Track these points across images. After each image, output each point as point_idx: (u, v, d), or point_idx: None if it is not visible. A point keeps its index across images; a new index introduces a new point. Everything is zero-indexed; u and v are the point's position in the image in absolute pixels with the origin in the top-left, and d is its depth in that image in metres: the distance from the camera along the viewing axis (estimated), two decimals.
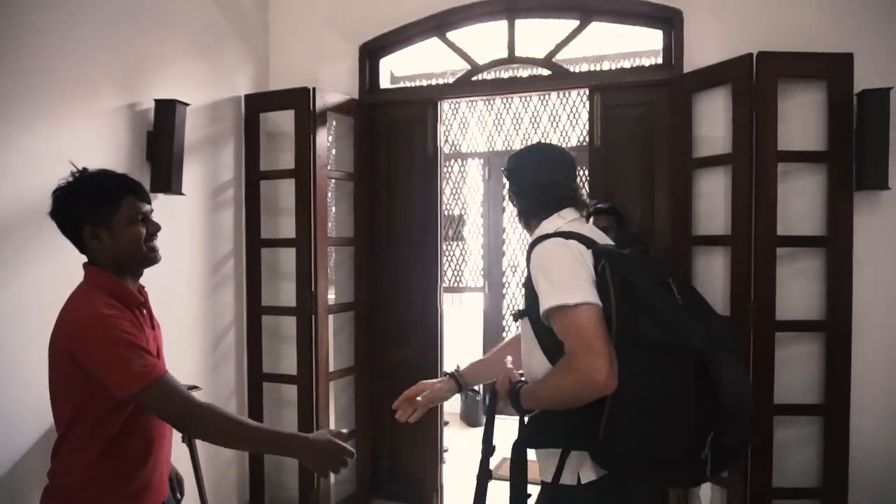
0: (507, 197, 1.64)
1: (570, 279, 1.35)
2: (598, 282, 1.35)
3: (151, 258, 1.71)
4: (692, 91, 2.95)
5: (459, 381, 1.87)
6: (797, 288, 2.73)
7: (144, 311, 1.72)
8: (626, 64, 4.73)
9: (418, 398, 1.85)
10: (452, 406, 5.25)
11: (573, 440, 1.39)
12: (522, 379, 1.54)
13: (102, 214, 1.62)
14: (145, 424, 1.58)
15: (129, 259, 1.67)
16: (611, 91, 3.18)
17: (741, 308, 2.69)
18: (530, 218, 1.60)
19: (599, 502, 1.43)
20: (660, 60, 3.16)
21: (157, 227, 1.72)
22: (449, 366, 3.87)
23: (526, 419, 1.54)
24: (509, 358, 1.64)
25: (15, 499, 2.17)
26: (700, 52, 2.94)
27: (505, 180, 1.69)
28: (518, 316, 1.51)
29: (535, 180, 1.57)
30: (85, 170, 1.69)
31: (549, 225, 1.53)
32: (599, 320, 1.31)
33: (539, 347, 1.47)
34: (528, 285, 1.46)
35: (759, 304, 2.65)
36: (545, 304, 1.36)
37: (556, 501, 1.48)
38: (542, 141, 5.53)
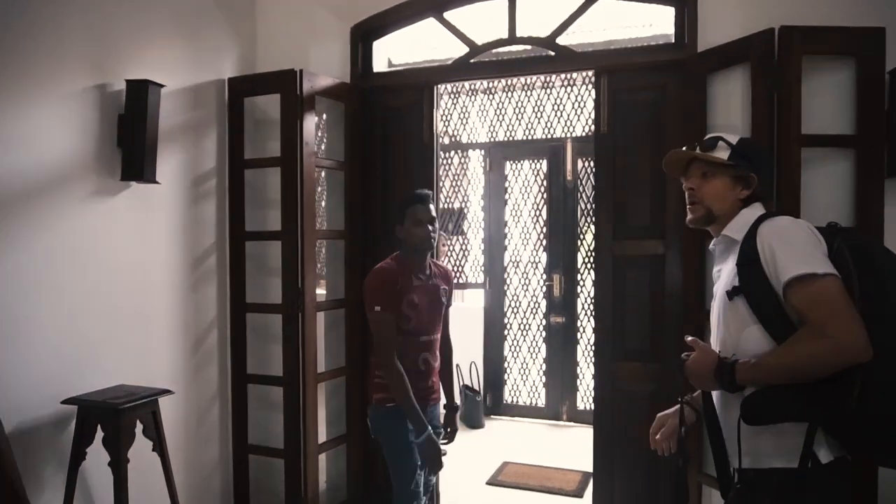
0: (732, 163, 1.58)
1: (812, 252, 1.35)
2: (835, 260, 1.35)
3: None
4: (707, 72, 2.73)
5: (696, 408, 1.71)
6: None
7: None
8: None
9: (657, 437, 1.75)
10: None
11: (817, 413, 1.32)
12: (736, 358, 1.41)
13: None
14: None
15: None
16: (619, 73, 2.97)
17: None
18: (742, 204, 1.58)
19: (846, 487, 1.42)
20: (671, 41, 2.94)
21: None
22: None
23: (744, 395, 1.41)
24: (689, 338, 1.53)
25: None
26: (715, 31, 2.73)
27: (733, 153, 1.59)
28: (734, 294, 1.45)
29: (768, 171, 1.70)
30: None
31: (754, 212, 1.55)
32: (846, 292, 1.31)
33: (758, 325, 1.42)
34: (748, 262, 1.43)
35: None
36: (790, 272, 1.33)
37: (805, 487, 1.36)
38: (543, 132, 5.34)
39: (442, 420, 2.63)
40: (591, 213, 5.12)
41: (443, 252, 5.29)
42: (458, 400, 2.68)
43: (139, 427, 2.38)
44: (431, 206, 2.40)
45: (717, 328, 1.57)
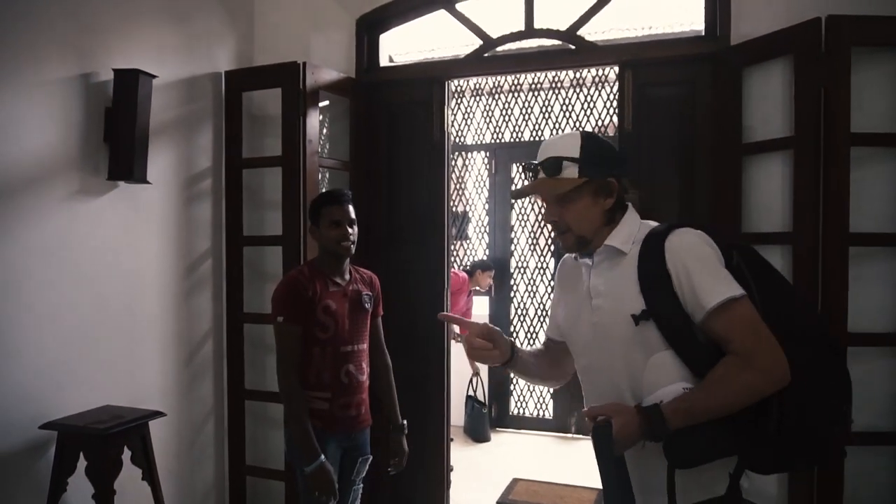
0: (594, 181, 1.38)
1: (724, 271, 1.27)
2: (735, 275, 1.28)
3: None
4: (743, 65, 2.54)
5: (514, 355, 1.54)
6: (873, 295, 2.33)
7: None
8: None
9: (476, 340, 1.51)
10: (456, 419, 4.83)
11: (744, 444, 1.25)
12: (653, 400, 1.24)
13: None
14: None
15: None
16: (644, 67, 2.77)
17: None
18: (611, 214, 1.40)
19: None
20: (702, 33, 2.75)
21: None
22: (459, 378, 3.52)
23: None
24: (587, 409, 1.30)
25: None
26: (750, 22, 2.55)
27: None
28: (641, 318, 1.28)
29: (622, 163, 1.45)
30: None
31: (634, 219, 1.40)
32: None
33: (668, 350, 1.29)
34: (655, 283, 1.29)
35: (829, 314, 2.25)
36: (714, 298, 1.23)
37: None
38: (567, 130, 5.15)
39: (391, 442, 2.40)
40: None
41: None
42: (402, 420, 2.41)
43: (127, 453, 2.14)
44: (350, 207, 2.21)
45: (602, 355, 1.37)
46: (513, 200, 5.29)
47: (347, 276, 2.25)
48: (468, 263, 5.14)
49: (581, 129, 5.08)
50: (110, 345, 2.39)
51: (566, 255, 1.55)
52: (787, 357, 1.21)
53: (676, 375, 1.27)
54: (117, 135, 2.32)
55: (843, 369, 1.30)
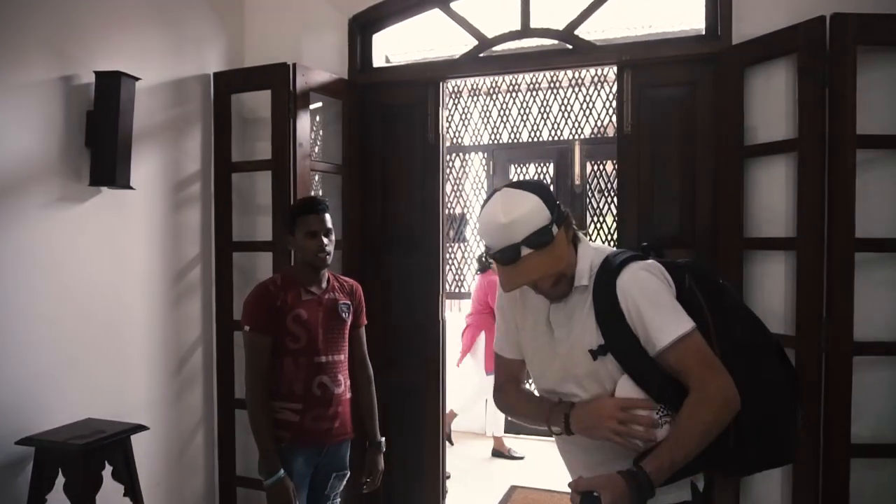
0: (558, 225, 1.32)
1: (675, 307, 1.30)
2: (686, 298, 1.32)
3: None
4: (745, 65, 2.47)
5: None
6: (881, 302, 2.25)
7: None
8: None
9: None
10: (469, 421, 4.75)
11: (703, 463, 1.30)
12: (641, 466, 1.23)
13: None
14: None
15: None
16: (644, 67, 2.71)
17: (811, 326, 2.22)
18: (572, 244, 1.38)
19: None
20: (702, 32, 2.68)
21: None
22: (452, 385, 3.44)
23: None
24: (574, 483, 1.27)
25: None
26: (751, 21, 2.48)
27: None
28: (599, 352, 1.31)
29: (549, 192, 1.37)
30: None
31: (587, 249, 1.38)
32: (705, 341, 1.30)
33: (626, 376, 1.31)
34: (610, 318, 1.31)
35: (834, 322, 2.18)
36: (666, 338, 1.26)
37: None
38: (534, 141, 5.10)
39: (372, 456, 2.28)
40: (601, 217, 4.87)
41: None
42: (380, 437, 2.29)
43: (108, 469, 2.07)
44: (327, 216, 2.13)
45: (566, 384, 1.37)
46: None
47: (325, 285, 2.17)
48: (483, 257, 4.65)
49: (580, 126, 5.00)
50: (93, 356, 2.32)
51: None
52: (741, 372, 1.26)
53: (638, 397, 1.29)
54: (99, 139, 2.25)
55: (792, 374, 1.37)
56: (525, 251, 1.26)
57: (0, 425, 1.99)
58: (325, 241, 2.09)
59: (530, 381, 1.55)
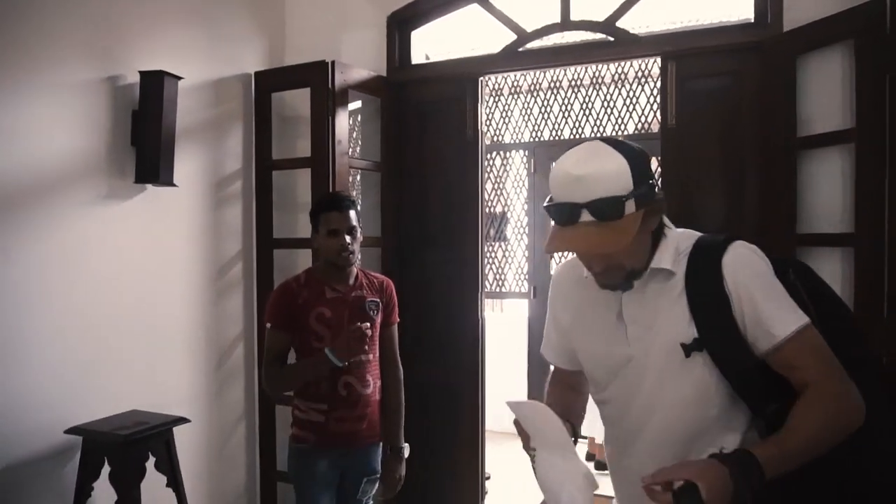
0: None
1: (787, 295, 1.10)
2: (791, 294, 1.11)
3: None
4: (796, 53, 2.36)
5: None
6: None
7: None
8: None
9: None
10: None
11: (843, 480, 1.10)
12: (748, 450, 1.01)
13: None
14: None
15: None
16: (688, 59, 2.61)
17: (869, 327, 2.09)
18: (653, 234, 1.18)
19: None
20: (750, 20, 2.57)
21: None
22: (491, 385, 3.39)
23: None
24: (648, 478, 1.01)
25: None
26: (802, 6, 2.36)
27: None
28: (693, 348, 1.10)
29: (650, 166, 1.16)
30: None
31: (672, 231, 1.19)
32: None
33: (724, 385, 1.11)
34: (710, 307, 1.10)
35: None
36: (788, 327, 1.07)
37: None
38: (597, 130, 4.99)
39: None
40: None
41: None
42: (402, 443, 2.18)
43: (151, 460, 2.11)
44: (351, 213, 2.05)
45: (637, 390, 1.16)
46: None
47: (351, 282, 2.11)
48: None
49: (623, 123, 4.89)
50: (138, 349, 2.38)
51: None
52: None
53: (735, 417, 1.12)
54: (144, 137, 2.30)
55: (889, 401, 1.15)
56: (584, 217, 1.05)
57: (50, 415, 2.06)
58: (348, 239, 2.02)
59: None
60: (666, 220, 1.19)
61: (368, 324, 1.96)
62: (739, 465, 0.97)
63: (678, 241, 1.17)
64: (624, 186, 1.05)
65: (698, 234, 1.19)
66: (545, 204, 1.12)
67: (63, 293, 2.12)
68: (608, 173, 1.04)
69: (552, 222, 1.12)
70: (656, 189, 1.11)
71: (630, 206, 1.05)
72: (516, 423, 1.23)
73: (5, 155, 1.95)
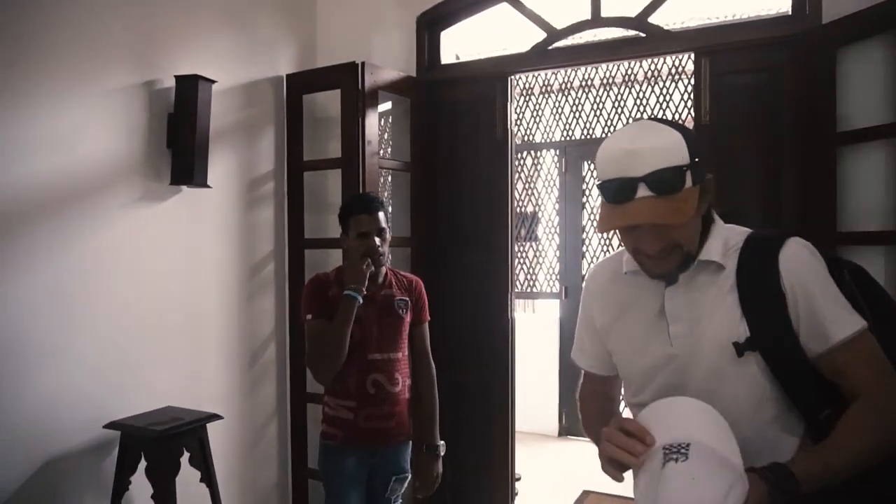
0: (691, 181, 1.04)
1: (843, 296, 1.05)
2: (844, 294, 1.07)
3: None
4: (836, 46, 2.29)
5: None
6: None
7: None
8: None
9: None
10: (531, 423, 4.68)
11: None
12: (788, 466, 0.97)
13: None
14: None
15: None
16: (723, 54, 2.56)
17: None
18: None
19: None
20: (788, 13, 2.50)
21: None
22: (522, 386, 3.37)
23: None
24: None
25: None
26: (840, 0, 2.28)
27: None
28: (746, 347, 1.04)
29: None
30: None
31: (718, 222, 1.14)
32: None
33: (775, 387, 1.06)
34: (763, 304, 1.05)
35: None
36: (845, 330, 1.03)
37: None
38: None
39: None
40: None
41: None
42: (438, 441, 2.17)
43: (186, 455, 2.16)
44: (380, 215, 2.06)
45: (678, 392, 1.09)
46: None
47: (380, 280, 2.12)
48: None
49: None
50: (174, 347, 2.44)
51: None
52: None
53: (788, 423, 1.06)
54: (179, 140, 2.35)
55: None
56: (642, 192, 1.00)
57: (90, 410, 2.12)
58: (377, 241, 2.04)
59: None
60: (713, 212, 1.15)
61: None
62: (777, 483, 0.94)
63: (727, 234, 1.12)
64: (682, 158, 1.01)
65: (748, 229, 1.14)
66: (598, 182, 1.07)
67: (103, 293, 2.18)
68: (665, 145, 1.01)
69: (601, 201, 1.09)
70: (708, 173, 1.08)
71: (689, 179, 1.02)
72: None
73: (52, 160, 2.02)
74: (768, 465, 0.97)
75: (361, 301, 1.98)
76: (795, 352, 1.04)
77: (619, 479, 1.04)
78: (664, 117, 4.70)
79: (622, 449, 0.99)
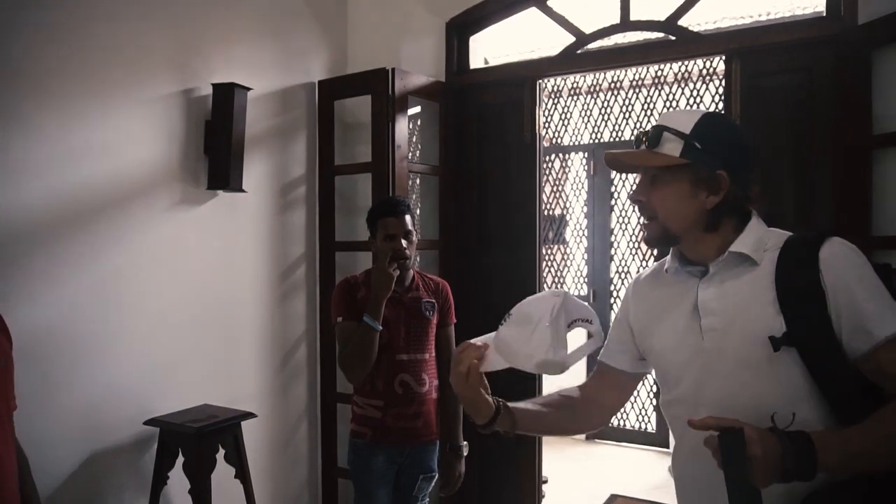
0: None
1: (889, 295, 1.04)
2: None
3: None
4: (872, 47, 2.25)
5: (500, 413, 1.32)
6: None
7: None
8: None
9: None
10: None
11: None
12: (807, 433, 0.96)
13: None
14: None
15: None
16: (754, 55, 2.53)
17: None
18: (711, 216, 1.16)
19: None
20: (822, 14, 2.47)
21: None
22: (548, 389, 3.36)
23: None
24: (696, 420, 0.98)
25: None
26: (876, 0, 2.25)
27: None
28: (783, 342, 1.03)
29: (747, 160, 1.20)
30: None
31: (761, 225, 1.16)
32: None
33: (811, 385, 1.04)
34: (802, 300, 1.04)
35: None
36: (889, 328, 1.01)
37: None
38: None
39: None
40: None
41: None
42: (461, 441, 2.22)
43: (221, 452, 2.23)
44: (407, 218, 2.11)
45: (708, 387, 1.10)
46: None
47: (407, 283, 2.18)
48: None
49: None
50: (211, 347, 2.51)
51: (645, 271, 1.34)
52: None
53: (824, 420, 1.04)
54: (216, 146, 2.42)
55: None
56: (642, 147, 1.16)
57: (131, 407, 2.20)
58: (404, 243, 2.08)
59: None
60: (756, 217, 1.17)
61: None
62: (792, 442, 0.92)
63: (765, 234, 1.14)
64: (677, 127, 1.13)
65: (789, 233, 1.15)
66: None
67: (143, 294, 2.26)
68: (675, 115, 1.17)
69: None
70: (721, 171, 1.11)
71: (671, 145, 1.13)
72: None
73: (96, 167, 2.11)
74: (787, 430, 0.96)
75: (379, 331, 2.04)
76: (833, 350, 1.02)
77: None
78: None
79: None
